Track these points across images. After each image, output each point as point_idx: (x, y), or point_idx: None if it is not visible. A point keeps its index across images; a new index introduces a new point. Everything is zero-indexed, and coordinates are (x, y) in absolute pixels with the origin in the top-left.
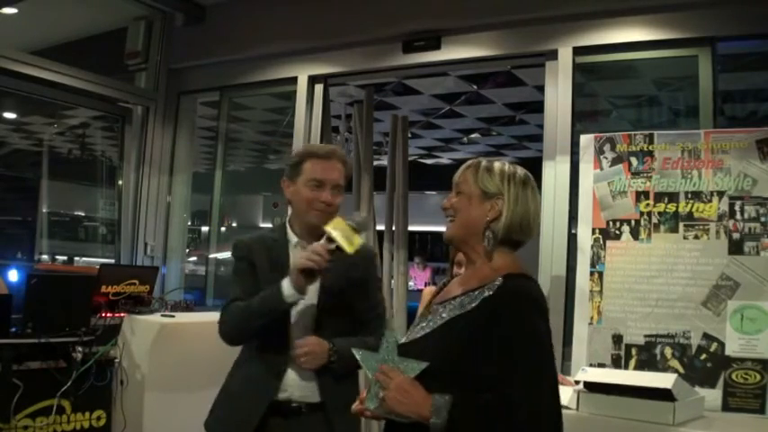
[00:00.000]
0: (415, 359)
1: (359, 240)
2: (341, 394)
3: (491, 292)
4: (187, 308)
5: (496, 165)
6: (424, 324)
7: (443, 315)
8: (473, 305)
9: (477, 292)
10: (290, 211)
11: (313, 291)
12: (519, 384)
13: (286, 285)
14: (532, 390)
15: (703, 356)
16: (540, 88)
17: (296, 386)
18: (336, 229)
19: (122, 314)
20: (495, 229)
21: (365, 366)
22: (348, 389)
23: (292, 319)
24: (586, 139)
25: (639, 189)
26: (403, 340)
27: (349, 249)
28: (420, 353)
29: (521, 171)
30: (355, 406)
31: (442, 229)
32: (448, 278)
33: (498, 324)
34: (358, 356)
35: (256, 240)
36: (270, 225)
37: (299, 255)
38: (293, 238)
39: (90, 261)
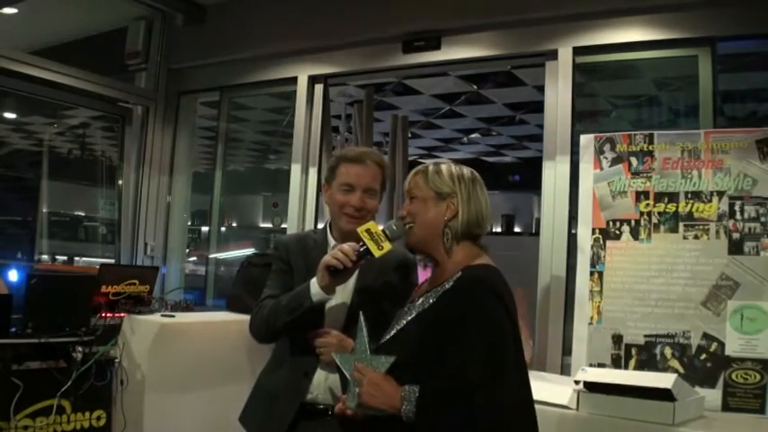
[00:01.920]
0: (384, 355)
1: (388, 246)
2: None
3: (450, 285)
4: (187, 308)
5: (444, 167)
6: (398, 322)
7: (413, 312)
8: (436, 299)
9: (440, 287)
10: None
11: (348, 293)
12: (477, 368)
13: (314, 283)
14: (490, 373)
15: (703, 356)
16: (540, 88)
17: (322, 388)
18: (367, 232)
19: (122, 314)
20: (454, 227)
21: (342, 366)
22: None
23: (325, 321)
24: (586, 139)
25: (639, 189)
26: (383, 339)
27: (376, 253)
28: (392, 349)
29: (467, 170)
30: (337, 407)
31: None
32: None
33: (454, 312)
34: (336, 358)
35: (296, 241)
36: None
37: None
38: (332, 242)
39: (90, 261)
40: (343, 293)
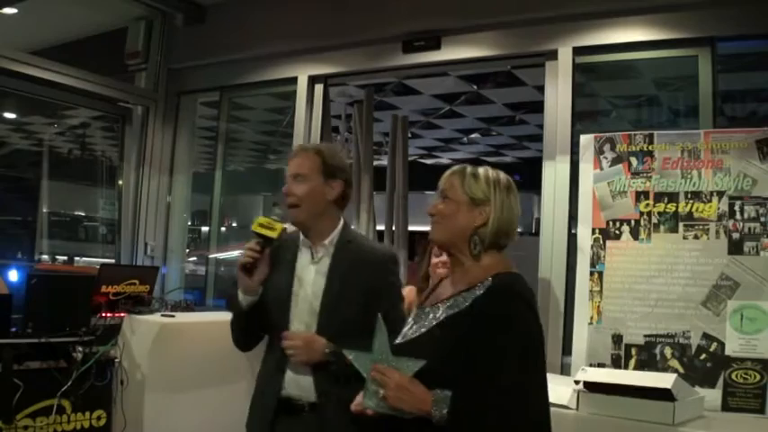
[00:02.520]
0: (410, 358)
1: (280, 226)
2: (338, 395)
3: (482, 292)
4: (187, 308)
5: (481, 171)
6: (418, 324)
7: (437, 315)
8: (465, 305)
9: (468, 292)
10: None
11: (317, 291)
12: (511, 376)
13: (240, 289)
14: (524, 380)
15: (703, 356)
16: (540, 88)
17: (293, 384)
18: (260, 226)
19: (122, 314)
20: (483, 235)
21: (358, 366)
22: (347, 390)
23: (291, 319)
24: (586, 139)
25: (639, 189)
26: (398, 340)
27: (272, 234)
28: (415, 352)
29: (503, 177)
30: (354, 405)
31: None
32: (424, 271)
33: (489, 322)
34: (350, 357)
35: (287, 239)
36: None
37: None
38: (301, 237)
39: (90, 261)
40: (312, 292)
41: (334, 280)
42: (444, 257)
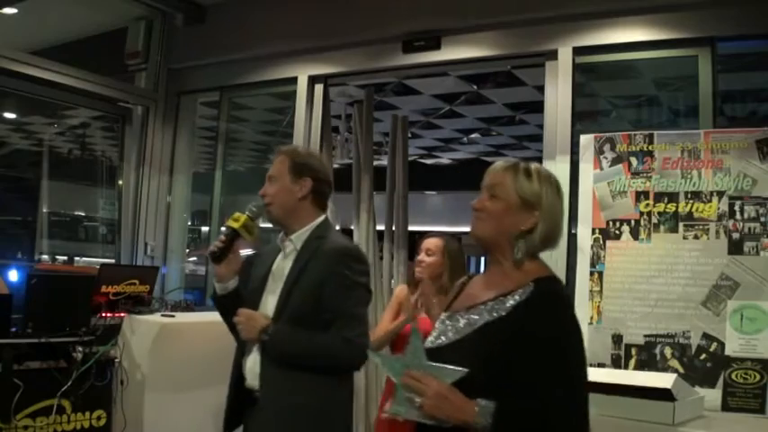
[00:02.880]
0: (448, 365)
1: (244, 217)
2: (278, 386)
3: (525, 297)
4: (187, 308)
5: (533, 170)
6: (453, 330)
7: (474, 321)
8: (507, 311)
9: (507, 297)
10: None
11: (279, 284)
12: (558, 389)
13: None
14: (571, 394)
15: (703, 356)
16: (540, 88)
17: (250, 374)
18: (233, 220)
19: (122, 314)
20: (529, 241)
21: (387, 370)
22: (288, 383)
23: (260, 309)
24: (586, 139)
25: (639, 189)
26: (428, 345)
27: (235, 225)
28: (454, 359)
29: (554, 178)
30: (383, 414)
31: (442, 229)
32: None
33: (536, 329)
34: (377, 360)
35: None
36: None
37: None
38: (281, 235)
39: (90, 261)
40: (276, 284)
41: (293, 272)
42: (427, 258)
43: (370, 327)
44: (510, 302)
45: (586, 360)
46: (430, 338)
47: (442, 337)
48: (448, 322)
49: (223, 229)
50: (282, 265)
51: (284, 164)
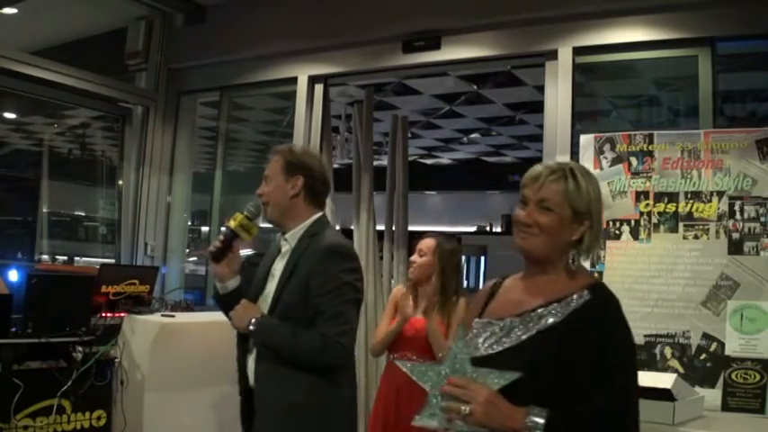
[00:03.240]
0: (493, 370)
1: (241, 216)
2: (271, 384)
3: (579, 305)
4: (187, 308)
5: (581, 179)
6: (501, 336)
7: (531, 326)
8: (560, 318)
9: (559, 305)
10: None
11: (274, 283)
12: (615, 396)
13: None
14: (627, 401)
15: (703, 356)
16: (540, 88)
17: (250, 374)
18: (232, 220)
19: (122, 314)
20: (579, 250)
21: (419, 378)
22: (280, 381)
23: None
24: (586, 139)
25: (639, 189)
26: (477, 352)
27: (232, 224)
28: (511, 366)
29: (594, 179)
30: (417, 423)
31: (442, 229)
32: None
33: (594, 337)
34: (405, 369)
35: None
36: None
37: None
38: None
39: (90, 261)
40: (273, 283)
41: (286, 270)
42: (419, 259)
43: (370, 326)
44: (563, 309)
45: (636, 364)
46: (479, 344)
47: (489, 344)
48: (490, 329)
49: (222, 229)
50: (280, 265)
51: (278, 163)
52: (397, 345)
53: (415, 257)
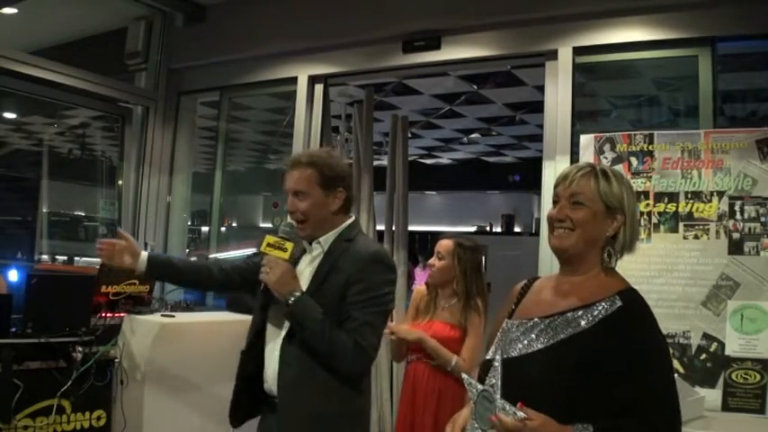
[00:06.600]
0: (534, 374)
1: (290, 245)
2: (296, 392)
3: (612, 310)
4: (187, 308)
5: (612, 175)
6: (532, 338)
7: (564, 328)
8: (593, 322)
9: (593, 309)
10: None
11: (307, 282)
12: (657, 403)
13: None
14: (669, 407)
15: (703, 356)
16: (540, 88)
17: (269, 379)
18: (269, 246)
19: (122, 314)
20: (615, 246)
21: (479, 416)
22: (305, 388)
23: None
24: (586, 139)
25: (639, 189)
26: (509, 354)
27: (284, 256)
28: (545, 367)
29: (627, 179)
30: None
31: (442, 229)
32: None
33: (629, 343)
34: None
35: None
36: (270, 225)
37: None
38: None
39: (90, 261)
40: (304, 284)
41: (321, 272)
42: (438, 263)
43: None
44: (595, 313)
45: (672, 371)
46: (513, 345)
47: (524, 346)
48: (523, 329)
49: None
50: (307, 265)
51: (312, 177)
52: (413, 346)
53: (433, 260)
